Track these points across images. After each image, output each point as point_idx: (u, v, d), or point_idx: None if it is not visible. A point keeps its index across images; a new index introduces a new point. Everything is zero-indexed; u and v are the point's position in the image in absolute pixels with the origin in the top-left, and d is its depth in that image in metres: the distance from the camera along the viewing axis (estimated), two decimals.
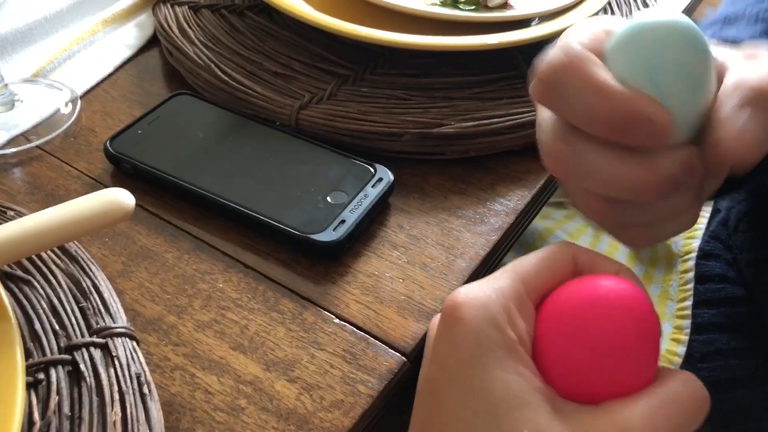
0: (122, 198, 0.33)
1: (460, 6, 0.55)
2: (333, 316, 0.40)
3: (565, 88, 0.28)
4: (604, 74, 0.27)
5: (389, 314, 0.40)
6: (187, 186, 0.45)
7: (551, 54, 0.29)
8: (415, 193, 0.48)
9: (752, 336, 0.52)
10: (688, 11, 0.68)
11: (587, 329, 0.27)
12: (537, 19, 0.57)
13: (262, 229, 0.43)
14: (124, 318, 0.37)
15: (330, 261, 0.43)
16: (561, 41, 0.29)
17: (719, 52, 0.30)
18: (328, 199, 0.44)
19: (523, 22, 0.56)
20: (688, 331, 0.52)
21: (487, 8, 0.55)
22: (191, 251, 0.43)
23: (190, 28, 0.56)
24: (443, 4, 0.56)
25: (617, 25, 0.29)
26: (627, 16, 0.60)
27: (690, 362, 0.51)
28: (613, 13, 0.61)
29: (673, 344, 0.53)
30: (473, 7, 0.55)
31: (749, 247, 0.55)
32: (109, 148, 0.47)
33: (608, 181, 0.28)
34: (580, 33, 0.29)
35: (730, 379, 0.50)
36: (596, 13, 0.56)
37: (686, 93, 0.28)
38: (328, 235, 0.42)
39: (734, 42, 0.38)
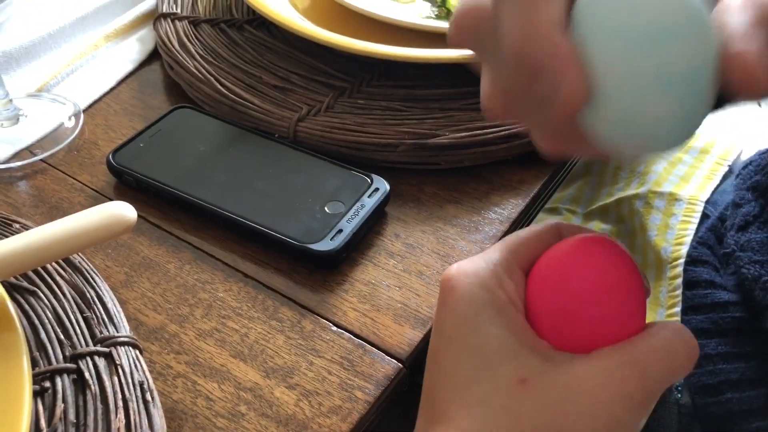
0: (124, 211, 0.34)
1: None
2: (331, 324, 0.41)
3: (501, 17, 0.24)
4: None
5: (386, 322, 0.41)
6: (187, 198, 0.46)
7: None
8: (411, 203, 0.49)
9: (740, 340, 0.53)
10: None
11: (570, 280, 0.28)
12: None
13: (262, 239, 0.44)
14: (127, 327, 0.38)
15: (328, 270, 0.44)
16: None
17: None
18: (326, 209, 0.45)
19: None
20: None
21: None
22: (192, 261, 0.44)
23: (190, 42, 0.57)
24: (438, 17, 0.57)
25: None
26: None
27: None
28: None
29: None
30: None
31: (749, 248, 0.56)
32: (112, 161, 0.48)
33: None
34: None
35: (719, 383, 0.51)
36: None
37: (679, 46, 0.22)
38: (325, 245, 0.43)
39: None
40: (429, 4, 0.60)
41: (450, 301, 0.29)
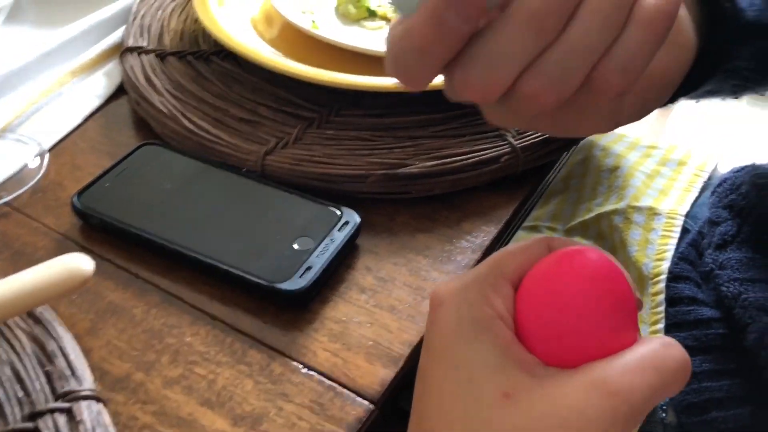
0: (81, 264, 0.33)
1: None
2: (301, 366, 0.40)
3: None
4: None
5: (357, 361, 0.40)
6: (154, 239, 0.45)
7: None
8: (382, 233, 0.48)
9: (724, 357, 0.52)
10: None
11: (556, 293, 0.27)
12: None
13: (229, 279, 0.44)
14: (91, 379, 0.37)
15: (297, 309, 0.43)
16: None
17: None
18: (295, 245, 0.44)
19: None
20: None
21: None
22: (159, 305, 0.43)
23: (156, 76, 0.57)
24: None
25: None
26: None
27: None
28: None
29: None
30: None
31: (728, 266, 0.55)
32: (77, 204, 0.47)
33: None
34: None
35: (705, 401, 0.50)
36: None
37: None
38: (294, 284, 0.42)
39: None
40: None
41: (437, 318, 0.29)
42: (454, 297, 0.29)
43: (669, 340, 0.27)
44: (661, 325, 0.55)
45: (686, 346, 0.55)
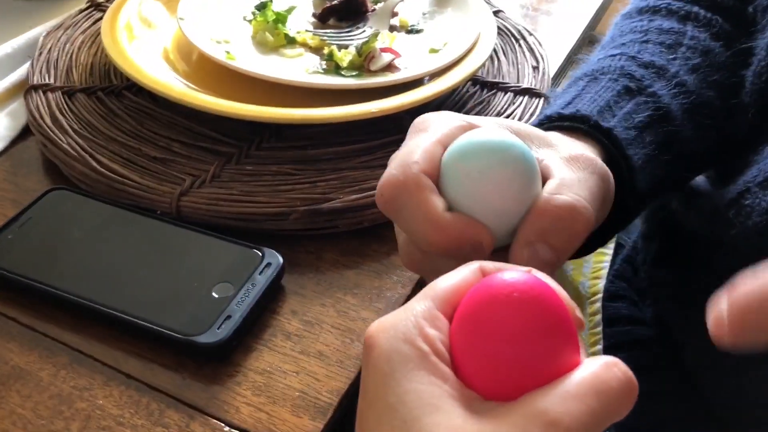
0: None
1: (343, 73, 0.54)
2: (223, 425, 0.38)
3: (402, 207, 0.32)
4: (435, 202, 0.32)
5: (283, 415, 0.38)
6: (62, 294, 0.42)
7: (392, 170, 0.33)
8: (309, 273, 0.46)
9: (664, 378, 0.52)
10: (594, 21, 0.69)
11: (487, 322, 0.26)
12: (427, 78, 0.56)
13: (144, 334, 0.41)
14: None
15: (218, 362, 0.40)
16: (401, 158, 0.33)
17: (548, 149, 0.35)
18: (213, 293, 0.42)
19: (411, 82, 0.55)
20: None
21: (371, 72, 0.55)
22: (68, 365, 0.40)
23: (63, 115, 0.53)
24: (326, 72, 0.55)
25: (455, 134, 0.34)
26: (513, 65, 0.61)
27: None
28: (499, 61, 0.61)
29: None
30: (356, 73, 0.54)
31: (664, 284, 0.55)
32: None
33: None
34: (419, 150, 0.33)
35: (647, 424, 0.50)
36: (481, 66, 0.56)
37: (508, 208, 0.32)
38: (212, 336, 0.40)
39: (592, 115, 0.39)
40: (317, 58, 0.57)
41: (370, 359, 0.27)
42: (385, 335, 0.27)
43: (612, 360, 0.26)
44: (599, 346, 0.54)
45: None
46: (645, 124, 0.41)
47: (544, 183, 0.33)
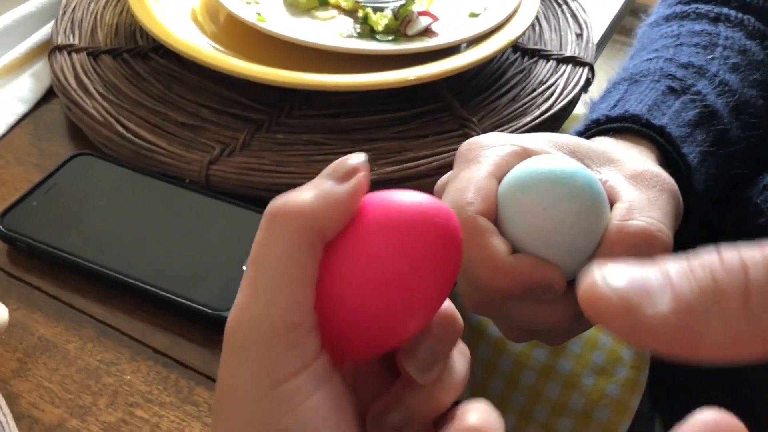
0: None
1: (378, 37, 0.52)
2: None
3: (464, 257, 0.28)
4: (497, 246, 0.29)
5: None
6: (88, 264, 0.41)
7: None
8: None
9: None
10: (618, 18, 0.66)
11: (335, 267, 0.21)
12: (465, 44, 0.54)
13: (173, 307, 0.40)
14: None
15: None
16: (454, 197, 0.30)
17: (610, 167, 0.33)
18: (244, 267, 0.40)
19: (449, 48, 0.53)
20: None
21: (407, 37, 0.52)
22: (95, 339, 0.39)
23: (88, 78, 0.52)
24: (360, 36, 0.52)
25: (509, 163, 0.31)
26: (556, 32, 0.58)
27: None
28: (540, 28, 0.58)
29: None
30: (392, 37, 0.52)
31: None
32: (1, 226, 0.43)
33: (529, 321, 0.31)
34: (472, 186, 0.30)
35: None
36: (523, 33, 0.53)
37: (578, 244, 0.29)
38: None
39: (637, 118, 0.37)
40: (351, 21, 0.55)
41: None
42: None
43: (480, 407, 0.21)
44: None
45: None
46: (696, 122, 0.39)
47: (611, 206, 0.30)
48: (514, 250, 0.30)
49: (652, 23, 0.48)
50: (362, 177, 0.22)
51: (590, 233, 0.29)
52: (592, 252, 0.30)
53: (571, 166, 0.30)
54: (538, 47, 0.56)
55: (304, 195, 0.21)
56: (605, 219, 0.30)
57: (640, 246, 0.29)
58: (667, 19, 0.47)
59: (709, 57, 0.42)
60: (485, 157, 0.31)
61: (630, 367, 0.52)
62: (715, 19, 0.46)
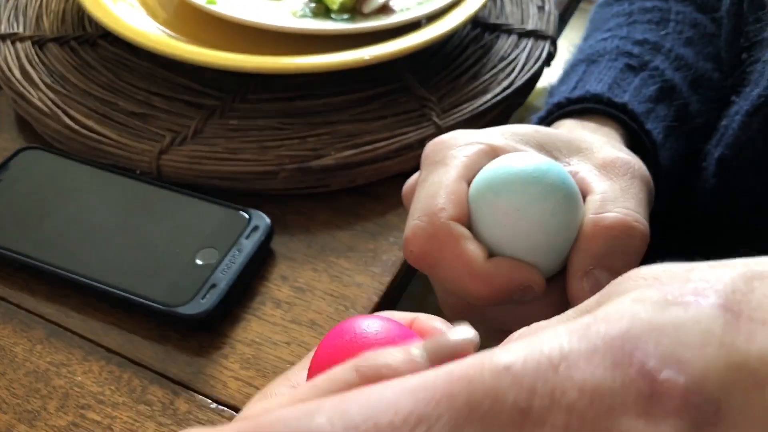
0: None
1: (333, 16, 0.50)
2: (209, 401, 0.35)
3: (437, 262, 0.29)
4: (473, 252, 0.28)
5: None
6: (36, 263, 0.40)
7: (417, 222, 0.29)
8: (299, 235, 0.43)
9: None
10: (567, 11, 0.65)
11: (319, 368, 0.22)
12: (425, 20, 0.52)
13: (124, 304, 0.38)
14: None
15: (203, 333, 0.38)
16: (425, 205, 0.29)
17: (579, 157, 0.32)
18: (197, 260, 0.39)
19: (407, 26, 0.51)
20: None
21: (364, 15, 0.50)
22: (45, 340, 0.38)
23: (34, 68, 0.50)
24: (315, 15, 0.51)
25: (477, 163, 0.30)
26: (517, 5, 0.56)
27: None
28: (502, 2, 0.56)
29: None
30: (347, 16, 0.50)
31: None
32: None
33: (508, 322, 0.30)
34: (442, 192, 0.29)
35: None
36: (483, 6, 0.52)
37: (555, 242, 0.28)
38: (196, 306, 0.37)
39: (599, 97, 0.36)
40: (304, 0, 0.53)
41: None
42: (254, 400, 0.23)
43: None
44: None
45: None
46: (656, 98, 0.38)
47: (583, 199, 0.30)
48: (490, 253, 0.29)
49: (603, 3, 0.47)
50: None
51: (566, 230, 0.29)
52: (569, 248, 0.29)
53: (542, 162, 0.29)
54: (499, 21, 0.55)
55: None
56: (580, 213, 0.29)
57: (619, 238, 0.28)
58: None
59: (663, 33, 0.41)
60: (453, 159, 0.30)
61: None
62: None
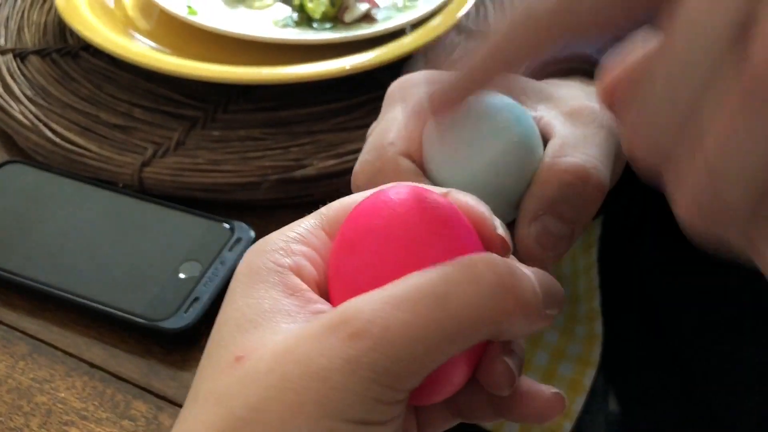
0: None
1: (315, 26, 0.50)
2: None
3: None
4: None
5: None
6: (17, 279, 0.39)
7: (365, 155, 0.28)
8: None
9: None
10: None
11: (348, 237, 0.23)
12: (409, 28, 0.52)
13: (106, 319, 0.38)
14: None
15: (187, 347, 0.38)
16: (375, 139, 0.28)
17: (547, 104, 0.30)
18: (180, 273, 0.39)
19: (396, 33, 0.51)
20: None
21: (346, 24, 0.51)
22: (27, 356, 0.38)
23: (14, 81, 0.49)
24: (297, 24, 0.51)
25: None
26: (500, 10, 0.56)
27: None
28: (485, 9, 0.57)
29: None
30: (329, 25, 0.50)
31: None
32: None
33: None
34: (394, 127, 0.28)
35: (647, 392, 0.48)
36: (466, 14, 0.52)
37: (507, 183, 0.27)
38: (178, 320, 0.37)
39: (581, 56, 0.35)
40: (288, 9, 0.53)
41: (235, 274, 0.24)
42: (254, 249, 0.24)
43: (479, 257, 0.21)
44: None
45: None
46: None
47: (545, 145, 0.28)
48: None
49: None
50: None
51: (519, 173, 0.27)
52: (523, 191, 0.27)
53: (500, 100, 0.27)
54: (483, 28, 0.55)
55: None
56: (536, 157, 0.27)
57: (572, 185, 0.27)
58: None
59: None
60: (412, 96, 0.29)
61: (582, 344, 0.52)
62: None
